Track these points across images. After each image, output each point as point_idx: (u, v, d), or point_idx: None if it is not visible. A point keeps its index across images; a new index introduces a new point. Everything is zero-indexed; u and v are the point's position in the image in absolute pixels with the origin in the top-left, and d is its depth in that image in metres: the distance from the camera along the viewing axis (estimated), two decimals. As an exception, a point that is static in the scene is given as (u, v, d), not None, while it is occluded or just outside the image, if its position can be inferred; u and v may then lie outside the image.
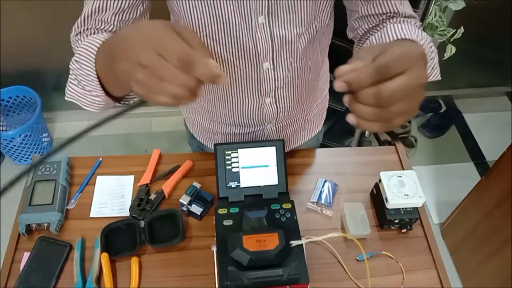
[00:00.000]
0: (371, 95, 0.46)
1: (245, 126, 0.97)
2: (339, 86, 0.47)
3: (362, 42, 0.79)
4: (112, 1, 0.69)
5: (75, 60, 0.63)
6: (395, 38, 0.66)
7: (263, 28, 0.75)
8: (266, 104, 0.89)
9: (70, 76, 0.66)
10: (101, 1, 0.69)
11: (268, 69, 0.82)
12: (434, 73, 0.70)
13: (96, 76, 0.61)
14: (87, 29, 0.71)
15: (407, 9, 0.75)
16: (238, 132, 0.99)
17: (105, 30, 0.71)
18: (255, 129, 0.97)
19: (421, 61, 0.48)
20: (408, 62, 0.46)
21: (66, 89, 0.68)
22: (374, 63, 0.46)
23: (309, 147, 1.14)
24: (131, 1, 0.70)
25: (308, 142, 1.12)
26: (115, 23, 0.71)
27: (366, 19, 0.76)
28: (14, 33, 1.84)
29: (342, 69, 0.47)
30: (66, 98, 0.68)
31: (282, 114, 0.94)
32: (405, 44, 0.54)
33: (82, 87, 0.64)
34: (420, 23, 0.75)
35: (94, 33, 0.70)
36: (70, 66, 0.65)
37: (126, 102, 0.70)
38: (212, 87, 0.89)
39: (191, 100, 0.48)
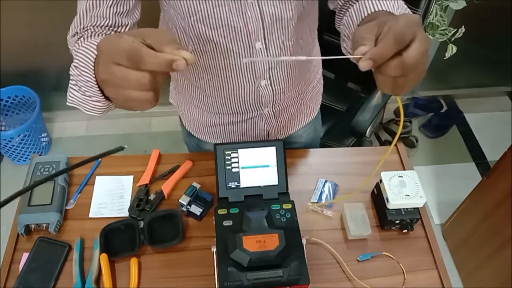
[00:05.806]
0: (397, 66, 0.50)
1: (242, 113, 0.97)
2: (365, 64, 0.50)
3: (342, 12, 0.81)
4: None
5: (75, 66, 0.63)
6: (372, 10, 0.69)
7: (253, 6, 0.76)
8: (261, 86, 0.90)
9: (70, 81, 0.66)
10: None
11: (260, 49, 0.82)
12: None
13: (95, 82, 0.60)
14: (83, 28, 0.71)
15: None
16: (235, 120, 0.99)
17: (101, 26, 0.71)
18: (253, 115, 0.97)
19: (421, 25, 0.53)
20: (415, 28, 0.51)
21: (67, 94, 0.67)
22: (390, 33, 0.50)
23: (308, 136, 1.15)
24: None
25: (307, 131, 1.13)
26: (111, 16, 0.72)
27: None
28: (14, 33, 1.84)
29: (361, 49, 0.51)
30: (68, 103, 0.68)
31: (278, 96, 0.94)
32: (401, 16, 0.57)
33: (83, 92, 0.64)
34: None
35: (91, 33, 0.70)
36: (70, 72, 0.65)
37: None
38: (207, 75, 0.89)
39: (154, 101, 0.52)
